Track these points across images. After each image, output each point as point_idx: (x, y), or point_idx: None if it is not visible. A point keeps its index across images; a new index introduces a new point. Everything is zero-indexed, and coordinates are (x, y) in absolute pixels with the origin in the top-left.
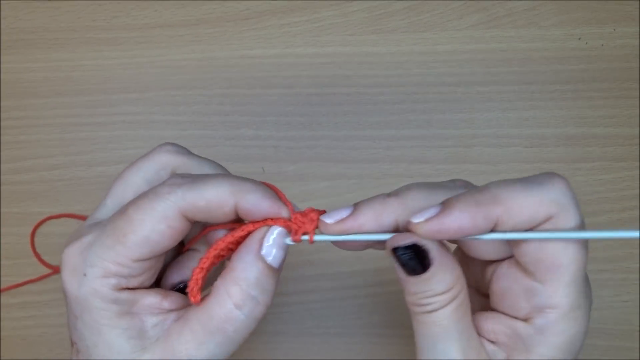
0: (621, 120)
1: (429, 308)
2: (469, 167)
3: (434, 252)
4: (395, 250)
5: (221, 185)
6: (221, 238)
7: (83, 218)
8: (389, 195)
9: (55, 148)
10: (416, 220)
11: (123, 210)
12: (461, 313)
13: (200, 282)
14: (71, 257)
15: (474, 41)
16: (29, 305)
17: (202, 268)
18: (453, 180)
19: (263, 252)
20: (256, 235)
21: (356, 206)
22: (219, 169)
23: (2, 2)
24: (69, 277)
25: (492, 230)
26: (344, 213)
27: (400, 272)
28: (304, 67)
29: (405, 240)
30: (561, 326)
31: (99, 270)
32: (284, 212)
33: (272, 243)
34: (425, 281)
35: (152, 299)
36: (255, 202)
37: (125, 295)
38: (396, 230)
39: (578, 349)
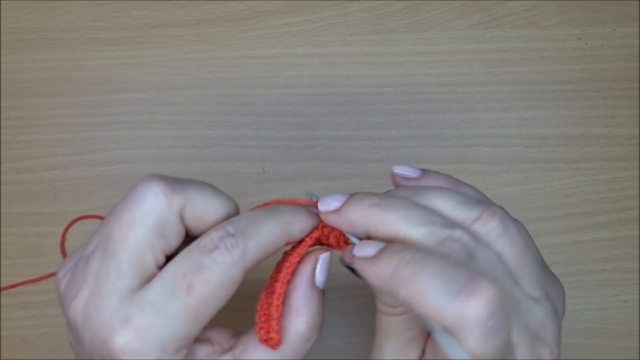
0: (621, 120)
1: (381, 310)
2: (469, 167)
3: (357, 269)
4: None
5: (272, 229)
6: (281, 280)
7: None
8: (374, 203)
9: (55, 148)
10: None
11: (187, 286)
12: (406, 326)
13: (277, 328)
14: (130, 344)
15: (474, 41)
16: (29, 305)
17: (278, 306)
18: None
19: (317, 281)
20: (307, 267)
21: (348, 198)
22: (214, 191)
23: (2, 2)
24: None
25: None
26: (334, 204)
27: None
28: (304, 67)
29: (345, 260)
30: None
31: (171, 351)
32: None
33: (321, 270)
34: (376, 290)
35: (205, 350)
36: (301, 230)
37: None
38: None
39: None
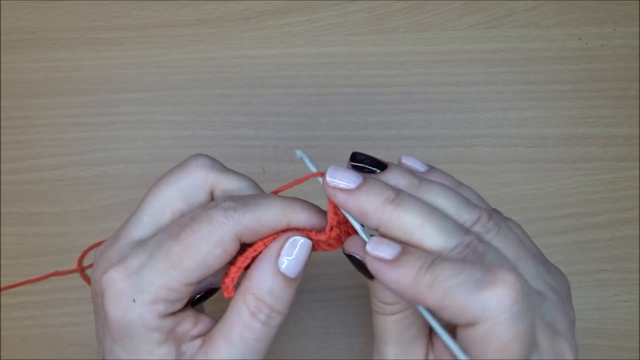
0: (621, 120)
1: (377, 309)
2: (469, 167)
3: (370, 267)
4: (348, 256)
5: (274, 207)
6: (262, 240)
7: None
8: (392, 200)
9: (55, 148)
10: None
11: (175, 234)
12: (405, 325)
13: (235, 279)
14: (117, 282)
15: (474, 41)
16: (29, 305)
17: (239, 267)
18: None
19: (278, 261)
20: (273, 245)
21: (363, 183)
22: (254, 185)
23: (2, 2)
24: (114, 302)
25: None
26: (348, 183)
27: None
28: (304, 67)
29: (348, 249)
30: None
31: (148, 297)
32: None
33: (286, 252)
34: (373, 287)
35: (186, 325)
36: (306, 221)
37: (168, 322)
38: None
39: None
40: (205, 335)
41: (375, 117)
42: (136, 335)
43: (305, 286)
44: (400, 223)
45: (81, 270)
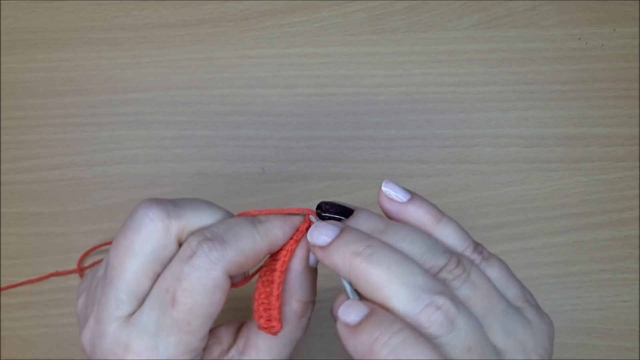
0: (621, 120)
1: None
2: (469, 167)
3: (339, 333)
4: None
5: (252, 236)
6: (279, 260)
7: None
8: (359, 253)
9: (55, 148)
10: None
11: (170, 301)
12: None
13: (280, 312)
14: None
15: (474, 41)
16: (29, 305)
17: (278, 295)
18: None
19: (310, 262)
20: (302, 252)
21: (336, 236)
22: (210, 207)
23: (2, 2)
24: None
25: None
26: (323, 237)
27: None
28: (304, 67)
29: (334, 310)
30: None
31: None
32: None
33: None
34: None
35: (216, 350)
36: (284, 237)
37: None
38: None
39: None
40: (237, 341)
41: (375, 117)
42: None
43: None
44: (366, 278)
45: (80, 270)
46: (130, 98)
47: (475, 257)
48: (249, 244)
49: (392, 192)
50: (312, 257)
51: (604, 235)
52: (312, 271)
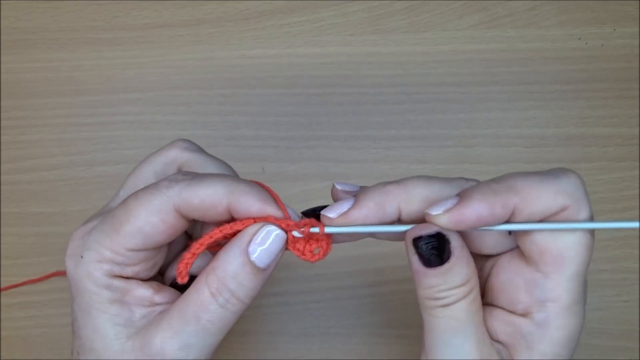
0: (621, 120)
1: (446, 301)
2: (469, 167)
3: (455, 243)
4: (416, 240)
5: (216, 186)
6: (219, 228)
7: None
8: (388, 183)
9: (55, 148)
10: (434, 212)
11: (124, 200)
12: (476, 307)
13: (189, 265)
14: (74, 240)
15: (474, 41)
16: (29, 305)
17: (193, 253)
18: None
19: (250, 248)
20: (248, 230)
21: (357, 197)
22: (224, 168)
23: (2, 2)
24: (69, 259)
25: (507, 221)
26: (345, 206)
27: (418, 265)
28: (304, 67)
29: (429, 229)
30: (561, 320)
31: (94, 255)
32: (277, 215)
33: (259, 241)
34: (444, 273)
35: (144, 291)
36: (248, 205)
37: (118, 283)
38: (399, 218)
39: (575, 346)
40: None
41: (375, 117)
42: (87, 291)
43: (305, 286)
44: (415, 186)
45: None
46: (130, 98)
47: None
48: (209, 192)
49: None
50: (261, 257)
51: (604, 235)
52: (250, 265)
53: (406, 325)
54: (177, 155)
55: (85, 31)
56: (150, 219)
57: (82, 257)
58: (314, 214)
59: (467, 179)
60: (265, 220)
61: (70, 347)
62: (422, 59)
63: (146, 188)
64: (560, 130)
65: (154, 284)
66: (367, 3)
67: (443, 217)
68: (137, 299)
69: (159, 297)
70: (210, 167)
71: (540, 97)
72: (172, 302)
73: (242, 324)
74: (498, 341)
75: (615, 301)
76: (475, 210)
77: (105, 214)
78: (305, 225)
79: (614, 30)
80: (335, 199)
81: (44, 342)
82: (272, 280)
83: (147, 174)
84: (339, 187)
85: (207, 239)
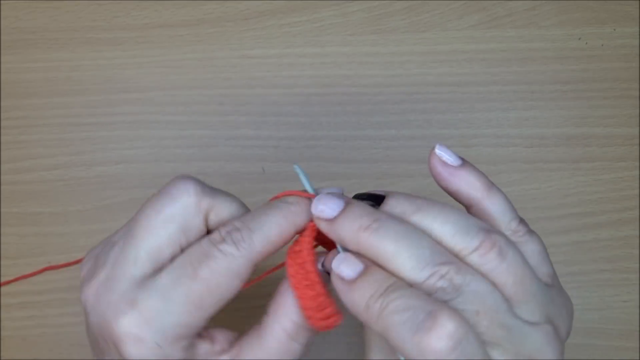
0: (621, 120)
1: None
2: None
3: (334, 285)
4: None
5: (277, 220)
6: (304, 259)
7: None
8: (366, 227)
9: (55, 148)
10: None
11: (191, 274)
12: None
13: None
14: (135, 330)
15: (474, 41)
16: (29, 305)
17: (320, 280)
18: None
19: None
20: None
21: (342, 210)
22: (242, 204)
23: (2, 2)
24: (136, 349)
25: None
26: (328, 212)
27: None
28: (304, 67)
29: (326, 263)
30: None
31: (173, 338)
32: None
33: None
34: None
35: (205, 347)
36: (307, 217)
37: (190, 350)
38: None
39: None
40: (232, 347)
41: (375, 117)
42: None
43: None
44: (374, 251)
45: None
46: (130, 98)
47: (520, 229)
48: (276, 231)
49: (445, 155)
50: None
51: (604, 235)
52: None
53: None
54: (197, 205)
55: (85, 31)
56: (232, 284)
57: (159, 346)
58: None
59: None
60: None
61: (69, 347)
62: (422, 59)
63: (212, 256)
64: (560, 130)
65: (206, 333)
66: (367, 3)
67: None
68: (202, 356)
69: (218, 346)
70: (234, 208)
71: (540, 97)
72: (229, 345)
73: (241, 324)
74: None
75: (615, 301)
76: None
77: (158, 290)
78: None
79: (614, 30)
80: (432, 165)
81: (43, 342)
82: (272, 280)
83: (172, 233)
84: (437, 151)
85: (318, 280)
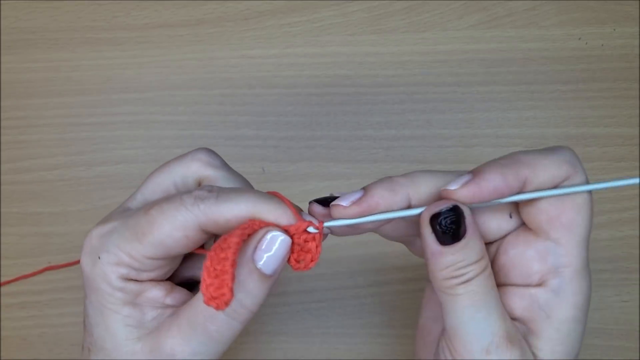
0: (621, 120)
1: (466, 277)
2: (469, 167)
3: (469, 219)
4: (434, 218)
5: (240, 205)
6: (234, 235)
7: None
8: (394, 176)
9: (55, 148)
10: (452, 187)
11: (148, 209)
12: (492, 282)
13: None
14: (92, 239)
15: (474, 41)
16: (29, 305)
17: (234, 261)
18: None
19: (255, 255)
20: (254, 238)
21: (366, 188)
22: (245, 185)
23: (2, 2)
24: (85, 257)
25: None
26: (356, 195)
27: (434, 245)
28: (304, 67)
29: (445, 204)
30: (576, 283)
31: (112, 258)
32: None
33: (265, 248)
34: (462, 249)
35: (156, 293)
36: (274, 222)
37: (132, 285)
38: (409, 207)
39: (588, 310)
40: (180, 306)
41: (375, 117)
42: (101, 291)
43: (305, 286)
44: (421, 177)
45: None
46: (130, 98)
47: None
48: (235, 212)
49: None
50: (267, 263)
51: (604, 235)
52: (257, 272)
53: (406, 325)
54: (198, 170)
55: (85, 31)
56: (174, 234)
57: (99, 257)
58: (325, 202)
59: (467, 171)
60: (267, 225)
61: (69, 347)
62: (422, 59)
63: (171, 201)
64: (560, 130)
65: (167, 284)
66: (367, 3)
67: (461, 191)
68: (149, 300)
69: (170, 299)
70: (232, 184)
71: (540, 97)
72: (182, 303)
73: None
74: (514, 319)
75: (615, 301)
76: (491, 182)
77: (125, 217)
78: (308, 225)
79: (614, 30)
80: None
81: (43, 342)
82: None
83: (166, 182)
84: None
85: (231, 255)
